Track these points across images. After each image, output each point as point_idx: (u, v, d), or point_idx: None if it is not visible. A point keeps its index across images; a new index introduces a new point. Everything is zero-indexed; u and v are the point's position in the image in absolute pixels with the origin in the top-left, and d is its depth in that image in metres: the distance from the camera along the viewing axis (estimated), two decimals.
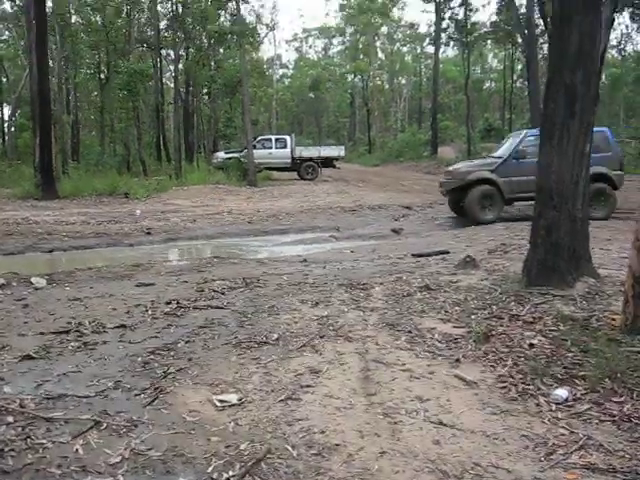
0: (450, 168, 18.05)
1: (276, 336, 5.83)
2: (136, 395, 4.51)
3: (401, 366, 5.02)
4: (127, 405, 4.35)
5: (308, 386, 4.66)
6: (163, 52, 48.06)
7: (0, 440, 3.86)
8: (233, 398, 4.43)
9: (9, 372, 5.05)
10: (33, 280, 8.42)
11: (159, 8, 44.86)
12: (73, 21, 46.57)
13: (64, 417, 4.15)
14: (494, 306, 6.45)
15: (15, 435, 3.93)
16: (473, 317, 6.16)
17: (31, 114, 31.69)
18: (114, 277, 9.16)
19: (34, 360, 5.34)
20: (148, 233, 15.58)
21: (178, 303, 7.04)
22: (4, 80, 55.88)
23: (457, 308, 6.51)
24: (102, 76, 49.74)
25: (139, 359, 5.25)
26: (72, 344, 5.75)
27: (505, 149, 16.74)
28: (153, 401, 4.39)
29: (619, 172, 16.14)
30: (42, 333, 6.13)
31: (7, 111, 57.59)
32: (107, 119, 49.62)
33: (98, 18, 47.42)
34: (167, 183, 28.75)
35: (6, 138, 54.96)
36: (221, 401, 4.39)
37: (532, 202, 7.77)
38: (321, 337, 5.80)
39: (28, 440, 3.85)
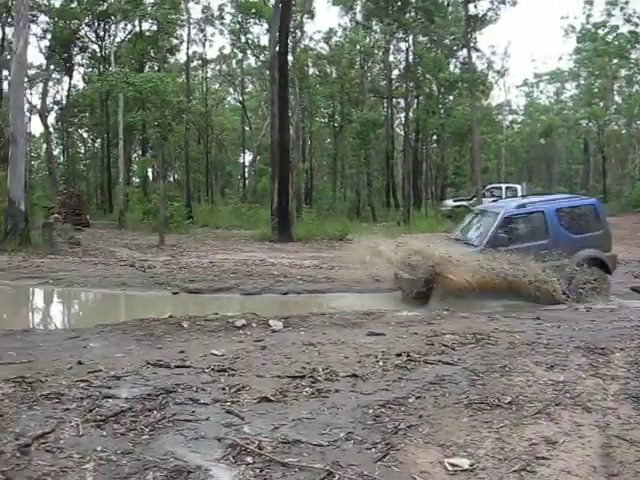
0: None
1: (509, 399, 5.60)
2: (367, 449, 4.53)
3: None
4: (358, 458, 4.37)
5: (543, 458, 4.40)
6: (394, 101, 49.18)
7: None
8: (465, 463, 4.30)
9: (249, 412, 5.31)
10: (271, 322, 8.85)
11: (391, 58, 46.13)
12: (310, 73, 49.15)
13: (299, 464, 4.27)
14: None
15: (253, 476, 4.11)
16: None
17: (270, 160, 33.77)
18: (346, 324, 9.36)
19: (271, 403, 5.56)
20: (377, 280, 15.68)
21: (408, 356, 7.01)
22: (247, 129, 60.21)
23: None
24: (336, 125, 51.87)
25: (370, 411, 5.27)
26: (306, 390, 5.93)
27: None
28: (384, 457, 4.38)
29: (612, 253, 13.39)
30: (279, 376, 6.38)
31: (248, 157, 62.04)
32: (339, 165, 51.51)
33: (333, 70, 49.67)
34: (395, 229, 29.12)
35: (247, 182, 59.02)
36: (452, 465, 4.27)
37: None
38: (557, 404, 5.49)
39: None
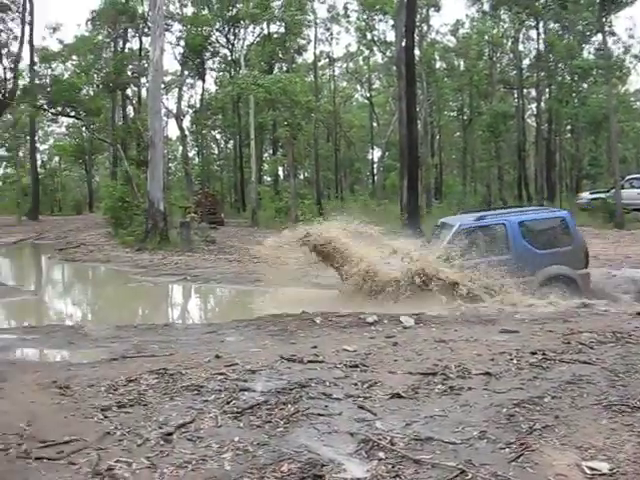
0: None
1: None
2: (501, 448, 4.45)
3: None
4: (492, 458, 4.30)
5: None
6: (525, 91, 47.81)
7: (372, 475, 4.10)
8: (604, 467, 4.13)
9: (380, 408, 5.35)
10: (402, 319, 8.86)
11: (520, 48, 44.86)
12: (437, 67, 48.63)
13: (431, 461, 4.26)
14: None
15: (386, 472, 4.15)
16: None
17: (399, 156, 33.65)
18: (478, 321, 9.22)
19: (403, 399, 5.58)
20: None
21: (544, 354, 6.81)
22: (375, 125, 60.28)
23: None
24: (465, 118, 51.06)
25: (504, 410, 5.17)
26: (438, 387, 5.90)
27: None
28: (518, 457, 4.29)
29: (584, 270, 11.91)
30: (410, 373, 6.39)
31: (377, 153, 62.14)
32: (469, 159, 50.68)
33: (461, 62, 48.91)
34: None
35: (375, 178, 59.09)
36: (591, 468, 4.12)
37: None
38: None
39: (397, 479, 4.03)
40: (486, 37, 44.39)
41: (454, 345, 7.56)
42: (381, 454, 4.38)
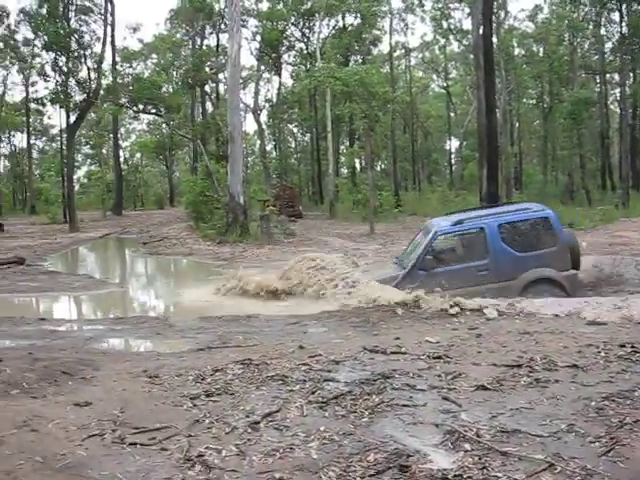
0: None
1: None
2: (590, 442, 4.35)
3: None
4: (581, 451, 4.22)
5: None
6: (607, 76, 46.39)
7: (458, 466, 4.09)
8: None
9: (465, 400, 5.32)
10: (485, 311, 8.76)
11: (602, 31, 43.49)
12: (516, 54, 47.74)
13: (518, 453, 4.20)
14: None
15: (472, 463, 4.11)
16: None
17: (477, 146, 33.20)
18: (562, 313, 9.03)
19: (488, 391, 5.53)
20: (595, 267, 14.84)
21: (633, 347, 6.60)
22: (452, 115, 59.62)
23: None
24: (545, 105, 49.96)
25: (592, 403, 5.05)
26: (524, 379, 5.82)
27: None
28: (609, 451, 4.19)
29: (571, 272, 11.00)
30: (494, 364, 6.32)
31: (455, 143, 61.49)
32: (549, 148, 49.60)
33: (540, 48, 47.86)
34: (613, 213, 27.49)
35: (453, 169, 58.50)
36: None
37: None
38: None
39: (484, 470, 4.00)
40: (566, 21, 43.27)
41: (539, 337, 7.43)
42: (467, 446, 4.35)
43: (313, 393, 5.58)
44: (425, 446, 4.39)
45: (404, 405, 5.20)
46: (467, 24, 43.96)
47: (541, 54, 47.71)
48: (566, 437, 4.46)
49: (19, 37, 46.82)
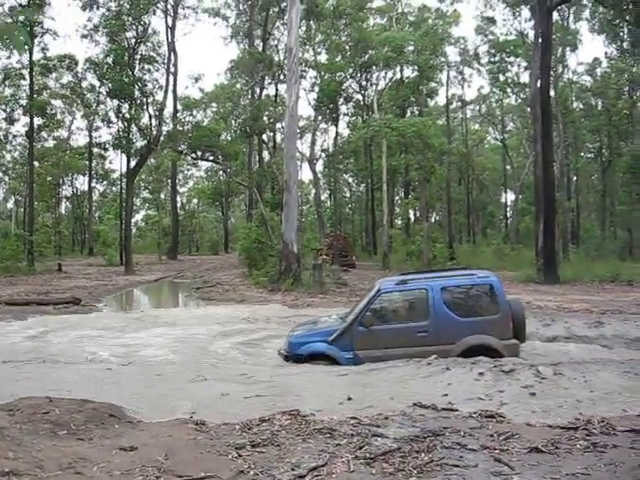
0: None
1: None
2: None
3: None
4: None
5: None
6: None
7: None
8: None
9: (518, 462, 5.11)
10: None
11: None
12: (574, 107, 47.45)
13: None
14: None
15: None
16: None
17: (534, 199, 32.84)
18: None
19: (542, 454, 5.31)
20: None
21: None
22: (508, 168, 59.29)
23: None
24: (603, 159, 49.33)
25: None
26: (580, 442, 5.58)
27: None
28: None
29: (512, 341, 10.36)
30: (550, 426, 6.11)
31: (510, 197, 60.98)
32: (608, 202, 48.80)
33: (599, 102, 47.54)
34: None
35: (509, 222, 57.90)
36: None
37: None
38: None
39: None
40: (625, 75, 42.90)
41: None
42: None
43: (360, 448, 5.45)
44: None
45: (454, 465, 5.02)
46: (524, 77, 43.97)
47: (600, 107, 47.28)
48: None
49: (85, 84, 48.54)
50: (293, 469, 4.94)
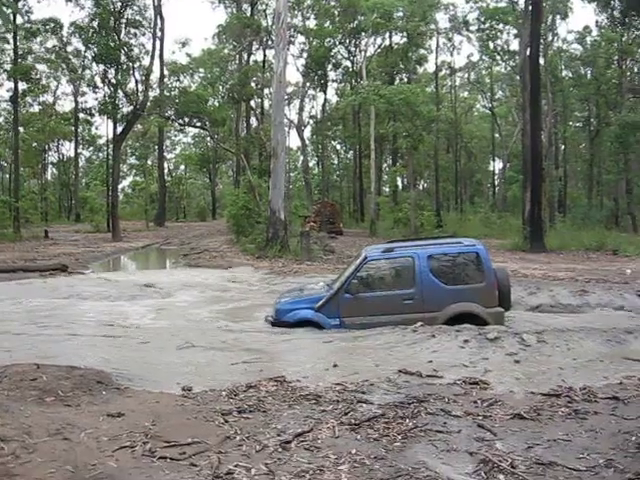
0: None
1: None
2: (629, 479, 4.22)
3: None
4: None
5: None
6: None
7: None
8: None
9: (501, 428, 5.21)
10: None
11: None
12: (563, 76, 47.27)
13: None
14: None
15: None
16: None
17: (521, 168, 32.87)
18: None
19: (524, 420, 5.41)
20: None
21: None
22: (496, 136, 59.21)
23: None
24: (591, 129, 49.33)
25: (633, 438, 4.90)
26: (562, 409, 5.69)
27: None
28: None
29: (497, 309, 10.49)
30: (532, 393, 6.20)
31: (498, 165, 61.01)
32: (595, 172, 48.91)
33: (588, 71, 47.37)
34: None
35: (496, 190, 57.99)
36: None
37: None
38: None
39: None
40: (615, 44, 42.74)
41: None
42: (501, 476, 4.25)
43: (346, 414, 5.55)
44: (458, 475, 4.30)
45: (438, 431, 5.12)
46: (514, 45, 43.70)
47: (589, 77, 47.14)
48: (604, 472, 4.34)
49: (70, 49, 47.78)
50: (279, 435, 5.01)
